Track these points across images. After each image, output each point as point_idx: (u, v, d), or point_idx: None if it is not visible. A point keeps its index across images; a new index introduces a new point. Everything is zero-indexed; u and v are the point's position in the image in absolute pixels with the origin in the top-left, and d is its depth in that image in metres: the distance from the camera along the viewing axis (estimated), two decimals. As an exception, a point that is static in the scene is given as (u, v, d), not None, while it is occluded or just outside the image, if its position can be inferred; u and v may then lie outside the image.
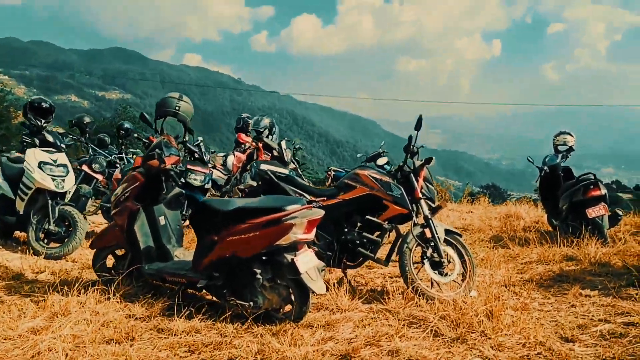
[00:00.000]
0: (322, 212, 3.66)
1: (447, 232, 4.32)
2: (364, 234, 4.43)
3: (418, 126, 4.47)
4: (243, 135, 8.81)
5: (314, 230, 3.61)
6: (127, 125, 9.48)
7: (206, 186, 7.16)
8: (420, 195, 4.39)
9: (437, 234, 4.22)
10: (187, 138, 5.86)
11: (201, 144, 7.90)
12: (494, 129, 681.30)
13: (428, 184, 4.63)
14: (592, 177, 6.51)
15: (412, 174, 4.45)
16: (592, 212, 6.25)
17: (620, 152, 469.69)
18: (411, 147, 4.63)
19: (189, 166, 7.15)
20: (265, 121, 7.44)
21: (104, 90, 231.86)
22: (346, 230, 4.47)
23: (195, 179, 7.09)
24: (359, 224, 4.51)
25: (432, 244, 4.21)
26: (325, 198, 4.48)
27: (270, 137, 7.20)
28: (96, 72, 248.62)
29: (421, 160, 4.59)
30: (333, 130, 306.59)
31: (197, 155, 7.36)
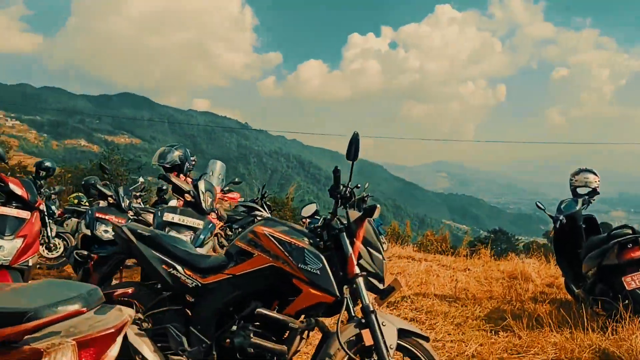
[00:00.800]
0: (127, 317, 1.85)
1: (403, 333, 2.57)
2: (262, 336, 2.67)
3: (353, 152, 2.77)
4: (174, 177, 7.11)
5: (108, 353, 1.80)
6: (48, 163, 7.80)
7: None
8: (356, 270, 2.65)
9: (383, 338, 2.46)
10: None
11: (141, 185, 6.38)
12: (499, 174, 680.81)
13: (371, 249, 2.81)
14: (631, 232, 4.61)
15: (344, 234, 2.73)
16: (633, 281, 4.38)
17: (629, 195, 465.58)
18: (344, 188, 2.87)
19: (98, 214, 5.49)
20: (175, 154, 5.76)
21: (113, 135, 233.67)
22: (235, 328, 2.68)
23: (105, 231, 5.42)
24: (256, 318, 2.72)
25: (375, 356, 2.45)
26: (202, 275, 2.73)
27: (184, 174, 5.55)
28: (106, 117, 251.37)
29: (361, 211, 2.81)
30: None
31: (111, 200, 5.70)
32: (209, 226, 4.42)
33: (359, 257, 2.70)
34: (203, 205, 4.45)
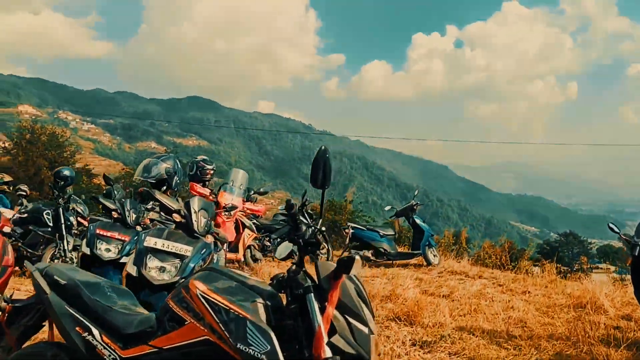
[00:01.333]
0: None
1: None
2: None
3: (321, 176, 2.00)
4: (197, 187, 6.46)
5: None
6: (66, 172, 7.37)
7: (123, 260, 4.84)
8: (325, 354, 1.84)
9: None
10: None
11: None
12: (569, 174, 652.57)
13: (351, 319, 1.95)
14: None
15: (311, 295, 1.94)
16: None
17: None
18: (308, 229, 2.17)
19: (99, 231, 4.92)
20: (162, 167, 5.00)
21: (182, 137, 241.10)
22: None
23: (107, 250, 4.85)
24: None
25: None
26: (123, 344, 2.03)
27: (172, 189, 4.84)
28: (174, 120, 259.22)
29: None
30: (403, 175, 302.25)
31: (116, 215, 5.10)
32: (202, 251, 3.71)
33: (332, 330, 1.89)
34: (195, 226, 3.78)
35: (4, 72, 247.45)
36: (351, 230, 9.74)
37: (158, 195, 4.01)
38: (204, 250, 3.74)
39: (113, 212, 4.96)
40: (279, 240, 9.94)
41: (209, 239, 4.04)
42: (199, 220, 3.77)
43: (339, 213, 19.69)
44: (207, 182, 7.46)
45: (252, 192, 9.47)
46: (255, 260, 8.33)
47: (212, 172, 7.67)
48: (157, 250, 3.57)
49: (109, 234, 4.95)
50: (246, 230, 8.20)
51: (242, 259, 8.29)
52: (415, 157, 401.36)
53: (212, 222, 4.10)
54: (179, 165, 5.09)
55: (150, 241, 3.55)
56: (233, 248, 8.18)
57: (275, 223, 10.11)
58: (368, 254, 9.53)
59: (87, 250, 4.81)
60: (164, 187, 4.87)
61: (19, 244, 7.36)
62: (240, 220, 7.99)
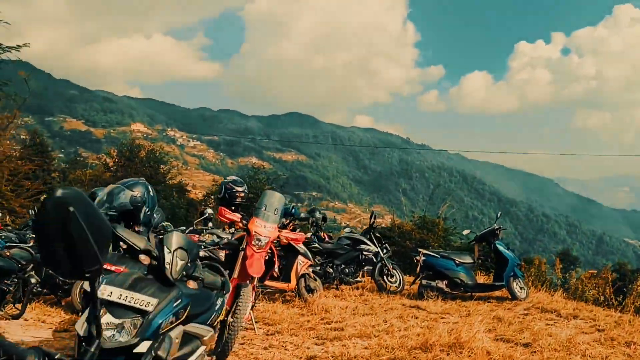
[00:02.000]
0: None
1: None
2: None
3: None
4: (226, 212, 5.70)
5: None
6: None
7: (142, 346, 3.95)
8: None
9: None
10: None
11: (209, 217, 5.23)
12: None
13: None
14: None
15: None
16: None
17: None
18: None
19: (107, 266, 4.01)
20: (126, 195, 3.88)
21: (281, 152, 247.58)
22: None
23: (114, 330, 4.01)
24: None
25: None
26: None
27: (140, 224, 3.94)
28: (274, 135, 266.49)
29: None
30: (505, 189, 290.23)
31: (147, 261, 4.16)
32: (175, 303, 2.84)
33: None
34: (168, 271, 2.95)
35: (119, 94, 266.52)
36: (422, 258, 8.60)
37: (120, 231, 3.18)
38: (178, 302, 2.90)
39: (121, 243, 3.70)
40: (342, 266, 9.05)
41: (191, 284, 3.23)
42: (174, 263, 2.97)
43: (431, 231, 18.53)
44: (238, 206, 6.76)
45: (292, 217, 8.70)
46: (310, 290, 7.48)
47: (243, 194, 6.96)
48: (113, 303, 2.83)
49: (113, 267, 3.29)
50: (299, 257, 7.42)
51: (295, 289, 7.50)
52: (518, 170, 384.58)
53: (195, 263, 3.27)
54: (151, 193, 4.11)
55: (105, 291, 2.75)
56: (285, 277, 7.41)
57: (339, 247, 9.23)
58: (442, 284, 8.43)
59: (87, 287, 4.05)
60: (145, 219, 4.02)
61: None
62: (295, 246, 7.23)
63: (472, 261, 8.77)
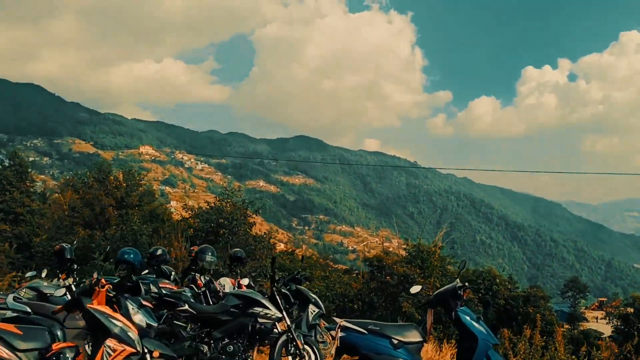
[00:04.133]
0: None
1: None
2: None
3: None
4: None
5: None
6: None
7: None
8: None
9: None
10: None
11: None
12: None
13: None
14: None
15: None
16: None
17: None
18: None
19: None
20: None
21: (289, 176, 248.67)
22: None
23: None
24: None
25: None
26: None
27: None
28: (282, 158, 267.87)
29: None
30: (513, 214, 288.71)
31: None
32: None
33: None
34: None
35: (129, 116, 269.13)
36: (340, 333, 5.69)
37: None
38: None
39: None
40: (224, 341, 6.32)
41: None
42: None
43: (427, 261, 16.67)
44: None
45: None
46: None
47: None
48: None
49: None
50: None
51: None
52: (526, 194, 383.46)
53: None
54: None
55: None
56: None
57: (221, 311, 6.49)
58: None
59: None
60: None
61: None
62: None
63: (419, 339, 5.88)
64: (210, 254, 7.57)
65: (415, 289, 6.33)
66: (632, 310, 41.67)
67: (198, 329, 6.17)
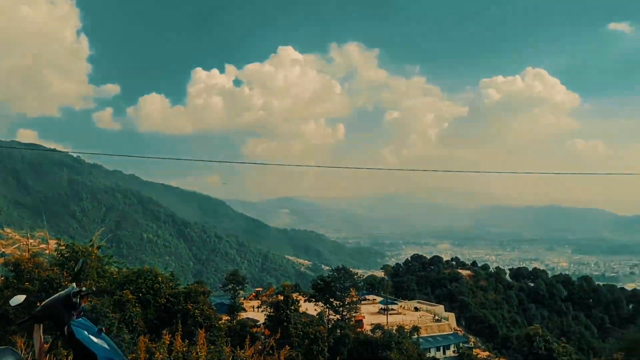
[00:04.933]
0: None
1: None
2: None
3: None
4: None
5: None
6: None
7: None
8: None
9: None
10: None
11: None
12: (340, 209, 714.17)
13: None
14: None
15: None
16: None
17: (452, 229, 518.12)
18: None
19: None
20: None
21: None
22: None
23: None
24: None
25: None
26: None
27: None
28: None
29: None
30: (181, 211, 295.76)
31: None
32: None
33: None
34: None
35: None
36: None
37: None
38: None
39: None
40: None
41: None
42: None
43: (85, 263, 15.31)
44: None
45: None
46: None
47: None
48: None
49: None
50: None
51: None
52: (193, 192, 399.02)
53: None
54: None
55: None
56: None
57: None
58: None
59: None
60: None
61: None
62: None
63: None
64: None
65: (17, 299, 4.38)
66: (282, 297, 47.29)
67: None
